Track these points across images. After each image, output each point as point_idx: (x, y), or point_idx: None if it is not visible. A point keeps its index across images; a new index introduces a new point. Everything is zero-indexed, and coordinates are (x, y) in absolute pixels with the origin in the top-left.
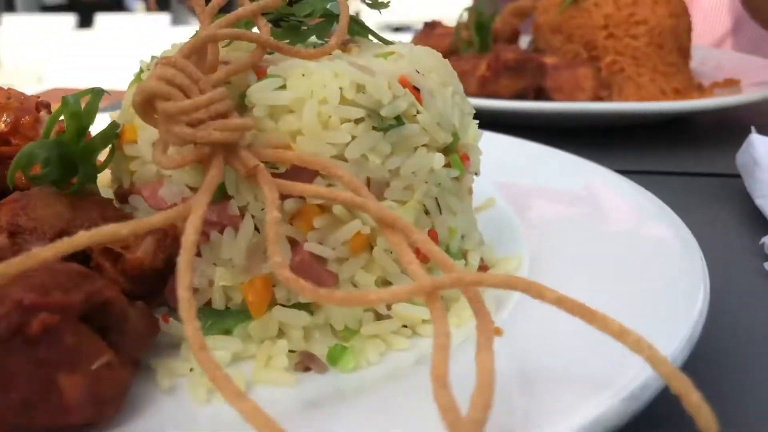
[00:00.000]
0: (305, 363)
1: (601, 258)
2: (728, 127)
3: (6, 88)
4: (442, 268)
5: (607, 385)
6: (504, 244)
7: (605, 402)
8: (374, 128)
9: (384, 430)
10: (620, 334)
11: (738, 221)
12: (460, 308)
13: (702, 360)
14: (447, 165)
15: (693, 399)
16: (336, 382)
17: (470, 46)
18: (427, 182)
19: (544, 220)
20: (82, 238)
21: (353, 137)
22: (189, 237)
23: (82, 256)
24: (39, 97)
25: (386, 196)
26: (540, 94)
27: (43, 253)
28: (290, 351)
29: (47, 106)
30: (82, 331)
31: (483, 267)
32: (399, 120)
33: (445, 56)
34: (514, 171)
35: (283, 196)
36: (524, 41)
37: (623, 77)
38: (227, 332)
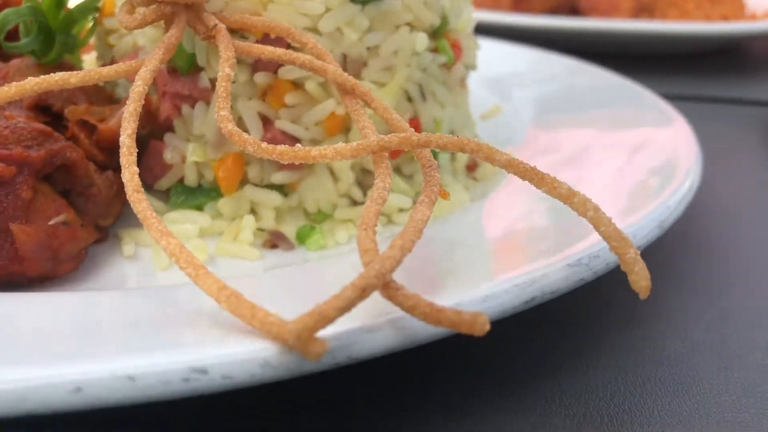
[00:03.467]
0: (273, 240)
1: (597, 156)
2: None
3: None
4: (395, 131)
5: (555, 251)
6: (505, 150)
7: (548, 266)
8: (352, 1)
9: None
10: (567, 196)
11: (762, 144)
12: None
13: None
14: (434, 50)
15: (629, 257)
16: (301, 258)
17: None
18: (409, 65)
19: (554, 128)
20: (29, 84)
21: (328, 9)
22: (136, 88)
23: (60, 129)
24: None
25: (363, 75)
26: (574, 14)
27: None
28: (260, 230)
29: None
30: (42, 188)
31: (471, 165)
32: None
33: None
34: (535, 83)
35: (256, 67)
36: None
37: (666, 1)
38: (199, 208)
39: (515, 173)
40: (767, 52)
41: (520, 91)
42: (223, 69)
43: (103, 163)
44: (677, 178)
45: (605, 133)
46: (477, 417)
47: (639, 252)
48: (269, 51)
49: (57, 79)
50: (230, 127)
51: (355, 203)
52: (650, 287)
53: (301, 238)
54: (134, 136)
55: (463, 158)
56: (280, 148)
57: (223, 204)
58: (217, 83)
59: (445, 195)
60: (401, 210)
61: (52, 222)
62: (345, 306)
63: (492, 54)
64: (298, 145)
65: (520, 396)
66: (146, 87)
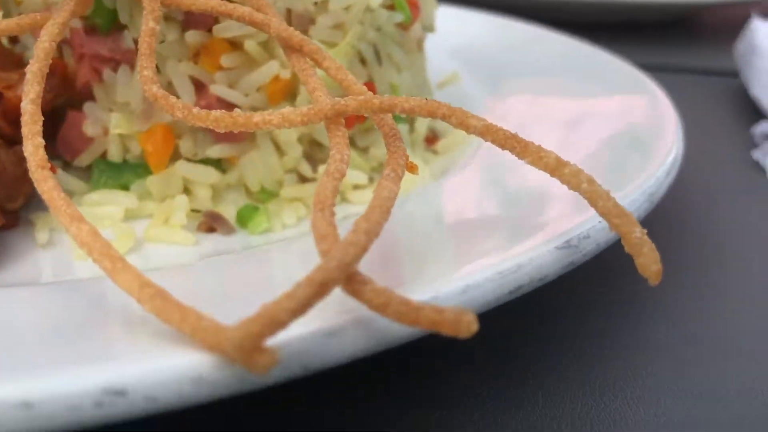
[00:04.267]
0: (209, 223)
1: (569, 124)
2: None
3: None
4: (347, 91)
5: (539, 232)
6: None
7: (534, 249)
8: None
9: (281, 279)
10: (556, 167)
11: (731, 115)
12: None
13: (672, 240)
14: (390, 7)
15: (634, 237)
16: (243, 243)
17: None
18: (362, 23)
19: (513, 94)
20: None
21: None
22: (41, 44)
23: None
24: None
25: (311, 34)
26: None
27: None
28: (194, 211)
29: None
30: None
31: (431, 138)
32: None
33: None
34: (494, 51)
35: (186, 25)
36: None
37: None
38: (124, 188)
39: (493, 141)
40: (728, 21)
41: (481, 59)
42: (147, 22)
43: (10, 137)
44: (662, 149)
45: (577, 102)
46: (461, 412)
47: (645, 231)
48: (201, 2)
49: None
50: (155, 89)
51: (304, 180)
52: (661, 271)
53: (243, 220)
54: (39, 101)
55: (422, 129)
56: (216, 113)
57: (152, 182)
58: (140, 38)
59: (413, 168)
60: (356, 187)
61: None
62: (299, 307)
63: (451, 21)
64: (237, 110)
65: (501, 394)
66: (53, 43)
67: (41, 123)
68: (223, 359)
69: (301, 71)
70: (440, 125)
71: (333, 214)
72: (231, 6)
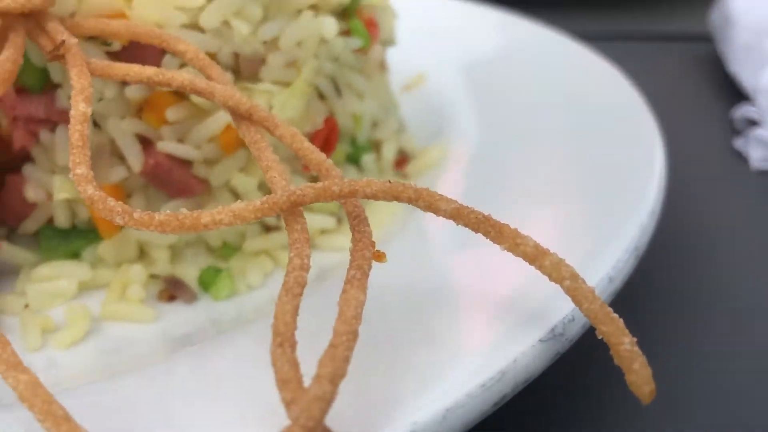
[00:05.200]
0: (170, 291)
1: (542, 138)
2: None
3: None
4: (316, 171)
5: (519, 321)
6: (434, 135)
7: (516, 347)
8: None
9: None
10: (535, 256)
11: (709, 92)
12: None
13: (658, 247)
14: (345, 33)
15: (623, 349)
16: (207, 312)
17: None
18: (317, 56)
19: (485, 94)
20: None
21: None
22: None
23: None
24: None
25: (263, 76)
26: None
27: None
28: (153, 276)
29: None
30: None
31: (401, 160)
32: None
33: None
34: (459, 42)
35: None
36: None
37: None
38: (75, 255)
39: (465, 225)
40: None
41: (440, 49)
42: (77, 105)
43: None
44: (643, 181)
45: (549, 102)
46: None
47: (635, 342)
48: (136, 71)
49: None
50: (90, 191)
51: (269, 229)
52: (654, 391)
53: (205, 284)
54: None
55: (390, 155)
56: (160, 216)
57: (105, 248)
58: (70, 127)
59: (380, 257)
60: (323, 232)
61: None
62: None
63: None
64: (183, 210)
65: None
66: None
67: None
68: None
69: (253, 144)
70: (411, 145)
71: (294, 348)
72: (169, 75)
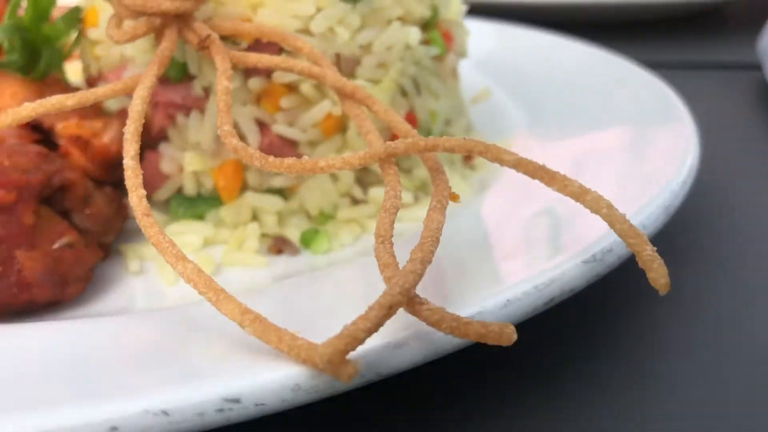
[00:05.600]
0: (278, 246)
1: (590, 139)
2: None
3: None
4: (401, 135)
5: (570, 249)
6: (497, 133)
7: (564, 264)
8: None
9: (349, 298)
10: (579, 194)
11: (756, 116)
12: None
13: (691, 240)
14: (426, 42)
15: (646, 254)
16: (308, 262)
17: None
18: (403, 60)
19: (541, 107)
20: (26, 110)
21: (319, 9)
22: (135, 107)
23: (52, 145)
24: None
25: (358, 74)
26: None
27: None
28: (263, 235)
29: None
30: (43, 212)
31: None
32: None
33: None
34: (520, 62)
35: (248, 72)
36: None
37: None
38: (200, 218)
39: (525, 173)
40: (742, 14)
41: (505, 70)
42: (221, 82)
43: (99, 179)
44: (678, 160)
45: (598, 114)
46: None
47: (655, 249)
48: (266, 59)
49: (54, 102)
50: (235, 142)
51: (356, 202)
52: (669, 284)
53: (306, 242)
54: (138, 157)
55: None
56: (288, 161)
57: (225, 212)
58: (216, 97)
59: (455, 198)
60: (403, 206)
61: (56, 245)
62: (373, 326)
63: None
64: (305, 157)
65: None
66: (145, 105)
67: (141, 177)
68: (315, 371)
69: (355, 116)
70: None
71: (392, 245)
72: (292, 62)
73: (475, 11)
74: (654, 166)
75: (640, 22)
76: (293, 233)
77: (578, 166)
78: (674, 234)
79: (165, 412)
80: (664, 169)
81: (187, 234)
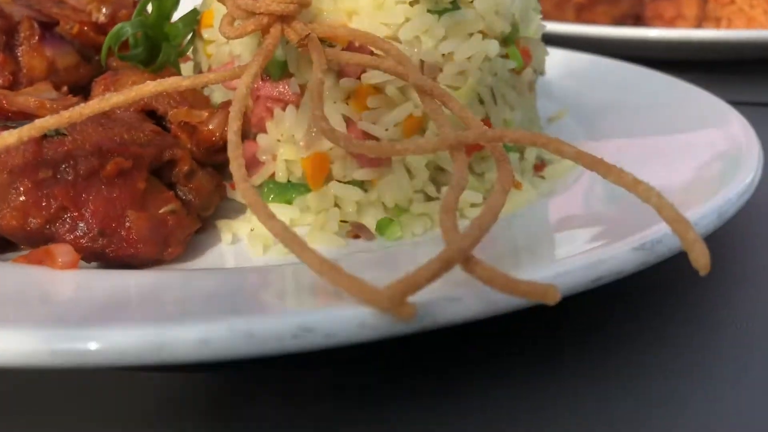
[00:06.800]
0: (355, 231)
1: (658, 153)
2: None
3: None
4: (468, 126)
5: (622, 237)
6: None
7: (615, 248)
8: (429, 11)
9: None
10: (632, 184)
11: None
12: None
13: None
14: (505, 56)
15: (690, 236)
16: (381, 247)
17: None
18: (481, 70)
19: (614, 132)
20: (147, 87)
21: (407, 19)
22: (240, 91)
23: (164, 130)
24: None
25: (439, 80)
26: (638, 23)
27: (113, 98)
28: (343, 221)
29: None
30: (153, 181)
31: (539, 165)
32: (455, 4)
33: None
34: (591, 88)
35: (340, 73)
36: None
37: (733, 9)
38: (288, 202)
39: (583, 164)
40: None
41: (584, 96)
42: (317, 74)
43: (202, 161)
44: (739, 173)
45: (667, 134)
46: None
47: (699, 233)
48: (357, 57)
49: (171, 82)
50: (323, 125)
51: (429, 198)
52: (709, 264)
53: (381, 229)
54: (239, 132)
55: (531, 158)
56: (369, 143)
57: (311, 198)
58: (311, 87)
59: (518, 185)
60: (473, 205)
61: (162, 210)
62: (431, 276)
63: (557, 62)
64: (384, 140)
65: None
66: (248, 90)
67: (241, 149)
68: (379, 310)
69: (432, 111)
70: (548, 155)
71: (455, 215)
72: (379, 60)
73: (565, 45)
74: (716, 178)
75: (722, 63)
76: (370, 222)
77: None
78: (725, 249)
79: (250, 334)
80: (724, 183)
81: (277, 215)
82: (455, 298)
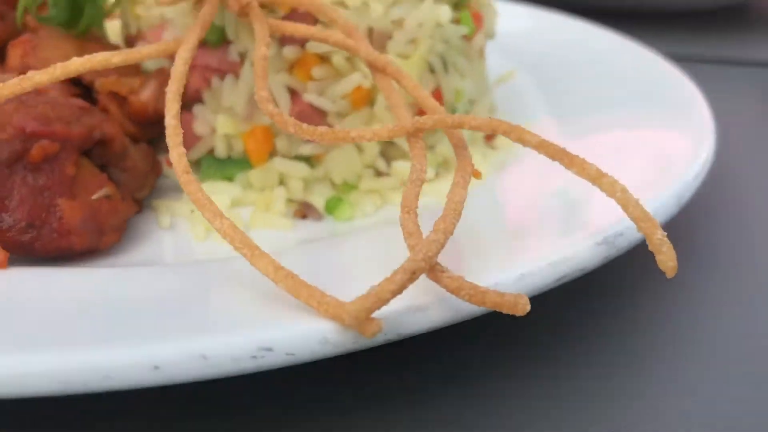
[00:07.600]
0: (303, 211)
1: (607, 127)
2: None
3: None
4: (428, 111)
5: (583, 231)
6: (520, 114)
7: (577, 244)
8: None
9: (369, 262)
10: (596, 177)
11: None
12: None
13: (701, 233)
14: (456, 21)
15: (656, 238)
16: (330, 228)
17: None
18: (432, 37)
19: (562, 92)
20: (74, 64)
21: None
22: (178, 68)
23: (90, 100)
24: None
25: (388, 48)
26: None
27: (37, 77)
28: (289, 200)
29: None
30: (84, 163)
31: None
32: None
33: None
34: (546, 46)
35: (283, 40)
36: None
37: None
38: (228, 180)
39: (546, 154)
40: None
41: (528, 53)
42: (260, 48)
43: (134, 136)
44: (692, 152)
45: (617, 103)
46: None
47: (666, 234)
48: (302, 29)
49: (100, 59)
50: (271, 108)
51: (380, 174)
52: (677, 267)
53: (330, 209)
54: (179, 116)
55: None
56: (321, 129)
57: (254, 175)
58: (254, 63)
59: (477, 174)
60: (425, 181)
61: (95, 196)
62: (397, 289)
63: (504, 15)
64: (338, 126)
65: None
66: (187, 66)
67: (181, 135)
68: (342, 326)
69: (385, 89)
70: None
71: (417, 215)
72: (327, 33)
73: None
74: (669, 158)
75: (667, 14)
76: (318, 200)
77: (593, 152)
78: (684, 226)
79: (204, 356)
80: (679, 161)
81: (216, 194)
82: (420, 308)
